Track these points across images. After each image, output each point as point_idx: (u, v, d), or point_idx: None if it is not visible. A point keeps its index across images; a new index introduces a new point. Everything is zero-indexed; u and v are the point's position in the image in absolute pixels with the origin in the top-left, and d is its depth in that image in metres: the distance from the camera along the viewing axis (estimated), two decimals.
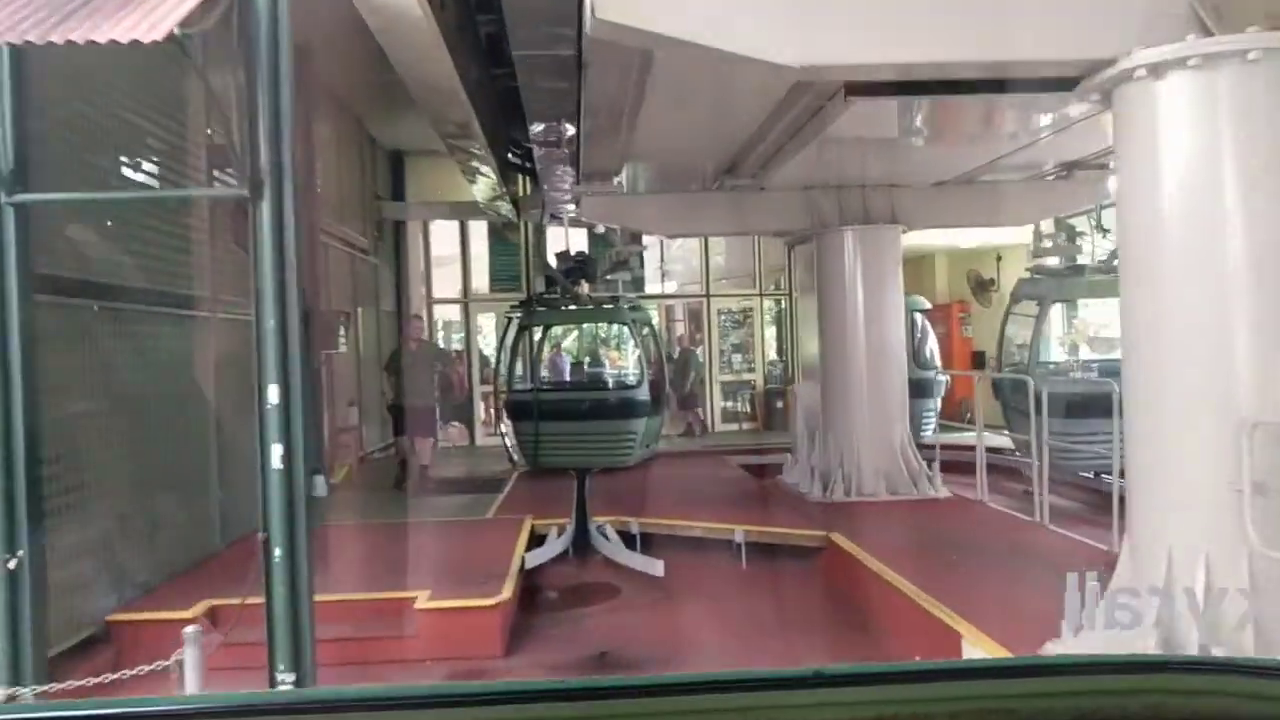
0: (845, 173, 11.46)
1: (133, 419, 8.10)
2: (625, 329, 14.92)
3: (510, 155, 14.88)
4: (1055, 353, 15.63)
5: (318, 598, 6.67)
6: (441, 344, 21.73)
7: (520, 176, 18.72)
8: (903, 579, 7.57)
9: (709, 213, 11.95)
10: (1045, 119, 9.53)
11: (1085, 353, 17.63)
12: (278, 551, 5.94)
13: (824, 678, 1.44)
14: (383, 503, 12.21)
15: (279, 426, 5.98)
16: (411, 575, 8.19)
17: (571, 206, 12.72)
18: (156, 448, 8.39)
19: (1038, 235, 13.29)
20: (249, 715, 1.34)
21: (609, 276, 14.84)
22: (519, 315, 15.23)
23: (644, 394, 14.50)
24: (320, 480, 13.01)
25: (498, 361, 15.87)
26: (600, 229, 16.74)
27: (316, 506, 6.35)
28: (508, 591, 7.80)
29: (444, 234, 20.90)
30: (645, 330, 15.27)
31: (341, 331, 12.78)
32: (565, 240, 12.49)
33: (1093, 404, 10.98)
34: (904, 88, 7.67)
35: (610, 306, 14.61)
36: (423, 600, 7.50)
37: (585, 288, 14.89)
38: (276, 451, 5.97)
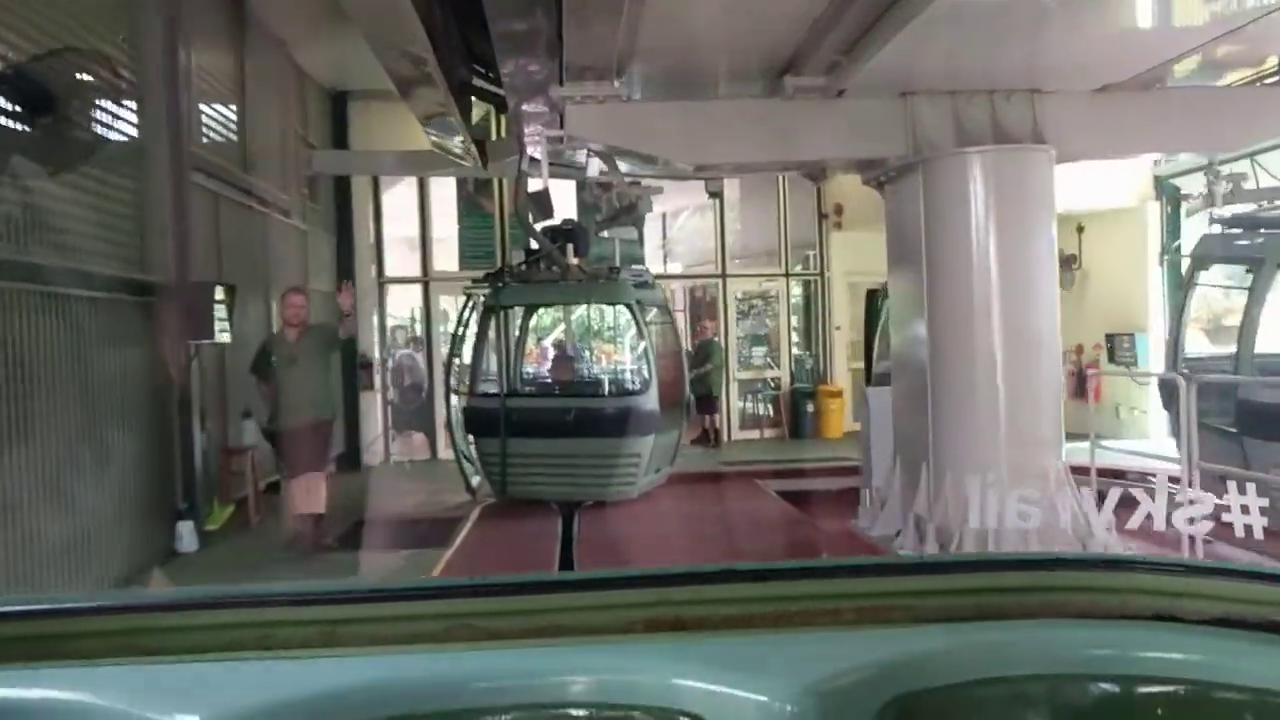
0: (964, 69, 7.54)
1: None
2: (628, 312, 10.90)
3: (475, 79, 10.88)
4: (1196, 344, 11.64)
5: None
6: (413, 342, 17.76)
7: (490, 117, 14.77)
8: None
9: (755, 131, 7.93)
10: None
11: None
12: None
13: (735, 573, 1.60)
14: (266, 566, 8.21)
15: None
16: None
17: (554, 133, 8.66)
18: None
19: (1214, 174, 9.38)
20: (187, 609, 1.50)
21: (605, 234, 10.88)
22: (485, 293, 11.24)
23: (651, 401, 10.54)
24: (188, 529, 8.95)
25: (452, 355, 11.87)
26: (593, 190, 12.81)
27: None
28: None
29: (404, 201, 16.99)
30: (654, 313, 11.27)
31: (222, 314, 8.76)
32: (544, 177, 8.54)
33: None
34: None
35: (609, 281, 10.61)
36: None
37: (574, 260, 10.95)
38: None
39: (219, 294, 8.70)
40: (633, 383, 12.20)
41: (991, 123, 7.69)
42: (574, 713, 1.42)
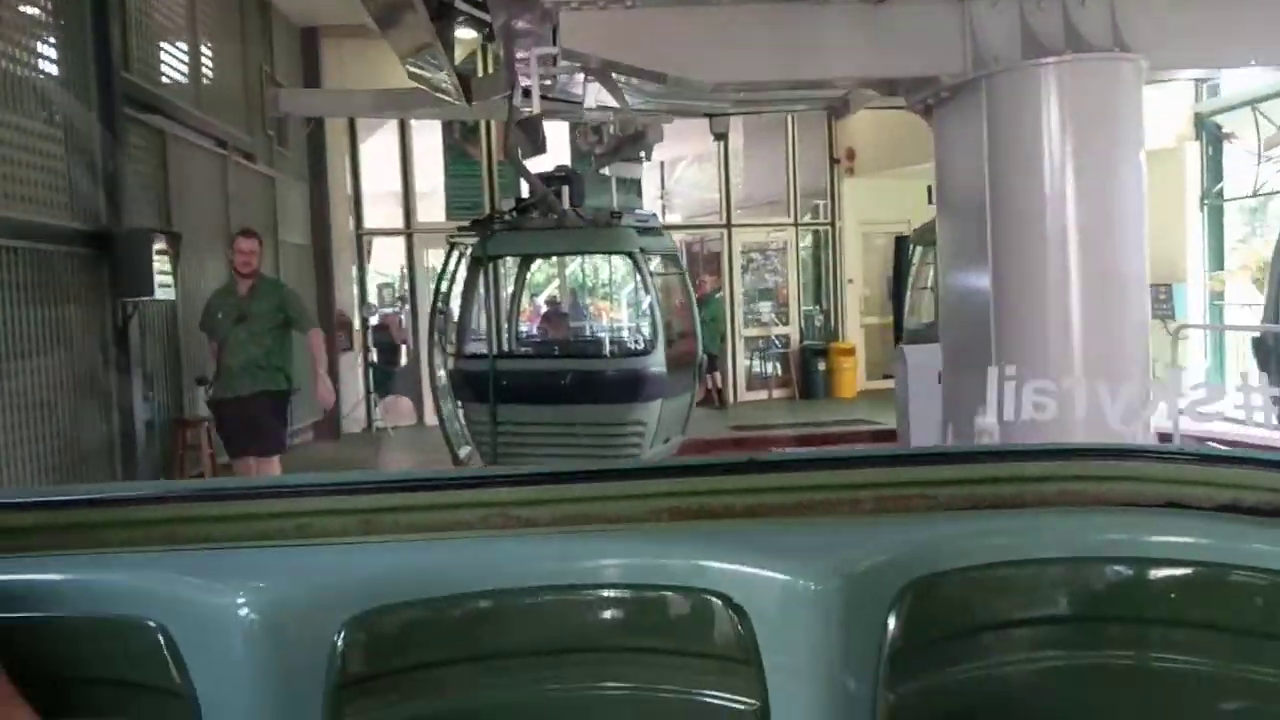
0: None
1: None
2: (632, 262, 9.69)
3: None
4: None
5: None
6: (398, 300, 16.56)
7: (477, 54, 13.52)
8: None
9: (783, 42, 6.70)
10: None
11: None
12: None
13: (757, 464, 1.69)
14: None
15: None
16: None
17: (545, 50, 7.40)
18: None
19: None
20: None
21: (605, 171, 9.63)
22: (471, 242, 10.05)
23: (657, 362, 9.39)
24: None
25: (435, 311, 10.69)
26: (588, 137, 11.55)
27: None
28: None
29: (385, 151, 15.77)
30: (662, 263, 10.05)
31: (164, 266, 7.54)
32: (534, 101, 7.28)
33: None
34: None
35: (610, 227, 9.38)
36: None
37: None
38: None
39: (158, 244, 7.45)
40: (637, 342, 11.00)
41: (1065, 29, 6.45)
42: (607, 594, 1.46)
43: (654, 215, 10.47)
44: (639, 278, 9.80)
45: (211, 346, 7.69)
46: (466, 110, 12.04)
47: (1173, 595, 1.51)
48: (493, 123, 14.64)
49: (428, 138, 15.82)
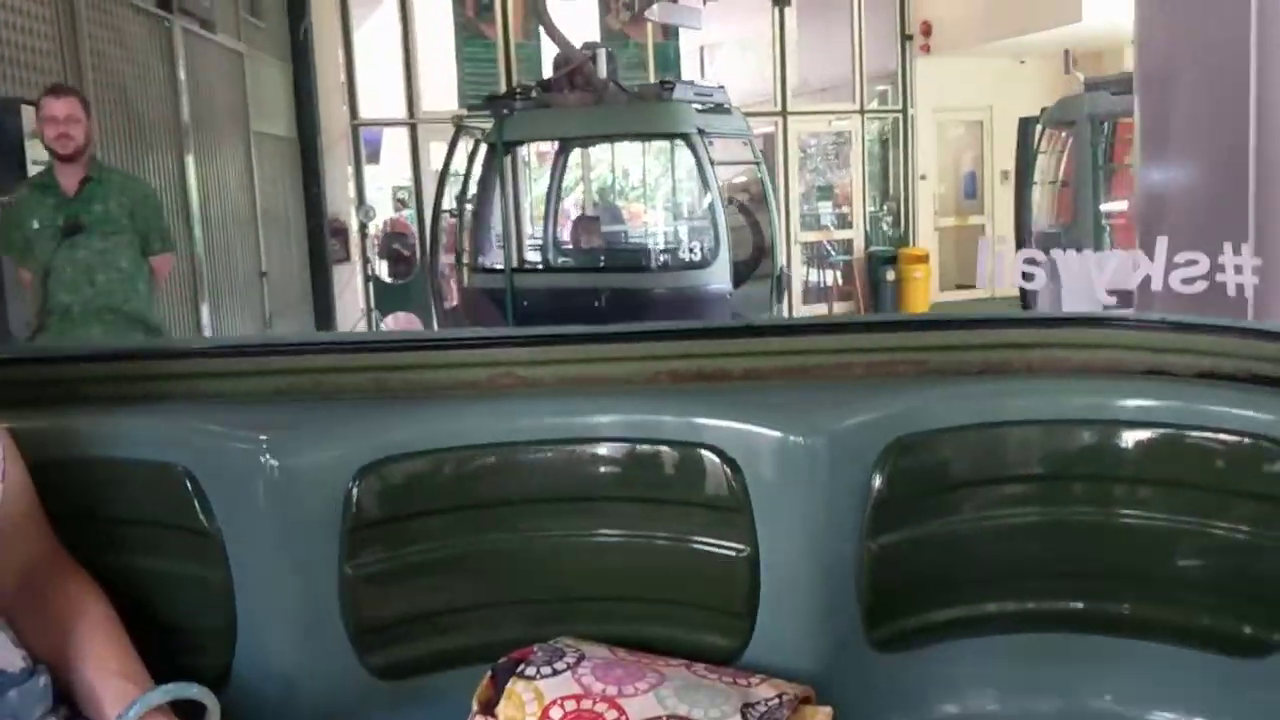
0: None
1: None
2: (687, 147, 7.53)
3: None
4: None
5: None
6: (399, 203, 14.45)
7: None
8: None
9: None
10: None
11: None
12: None
13: (753, 329, 1.80)
14: None
15: None
16: None
17: None
18: None
19: None
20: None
21: (651, 14, 7.48)
22: (486, 124, 7.91)
23: (720, 276, 7.35)
24: None
25: (438, 214, 8.60)
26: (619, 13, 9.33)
27: None
28: None
29: (386, 25, 13.59)
30: (730, 150, 7.88)
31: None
32: None
33: None
34: None
35: (660, 101, 7.21)
36: None
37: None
38: None
39: (34, 120, 5.26)
40: (694, 251, 8.86)
41: None
42: (605, 449, 1.51)
43: (720, 88, 8.19)
44: (697, 167, 7.61)
45: (22, 275, 5.11)
46: None
47: (1142, 456, 1.54)
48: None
49: (434, 16, 13.74)
